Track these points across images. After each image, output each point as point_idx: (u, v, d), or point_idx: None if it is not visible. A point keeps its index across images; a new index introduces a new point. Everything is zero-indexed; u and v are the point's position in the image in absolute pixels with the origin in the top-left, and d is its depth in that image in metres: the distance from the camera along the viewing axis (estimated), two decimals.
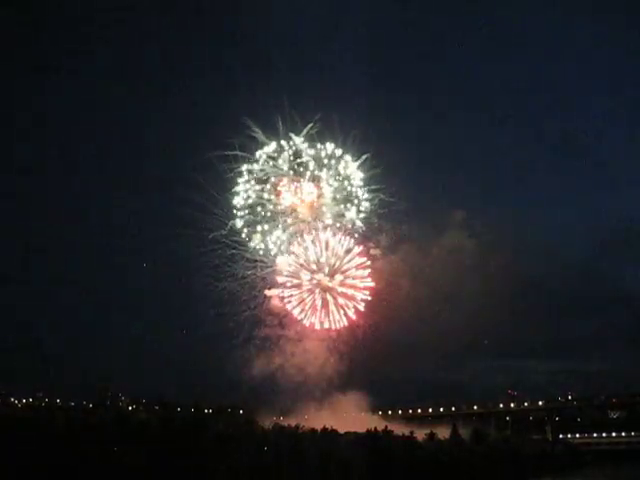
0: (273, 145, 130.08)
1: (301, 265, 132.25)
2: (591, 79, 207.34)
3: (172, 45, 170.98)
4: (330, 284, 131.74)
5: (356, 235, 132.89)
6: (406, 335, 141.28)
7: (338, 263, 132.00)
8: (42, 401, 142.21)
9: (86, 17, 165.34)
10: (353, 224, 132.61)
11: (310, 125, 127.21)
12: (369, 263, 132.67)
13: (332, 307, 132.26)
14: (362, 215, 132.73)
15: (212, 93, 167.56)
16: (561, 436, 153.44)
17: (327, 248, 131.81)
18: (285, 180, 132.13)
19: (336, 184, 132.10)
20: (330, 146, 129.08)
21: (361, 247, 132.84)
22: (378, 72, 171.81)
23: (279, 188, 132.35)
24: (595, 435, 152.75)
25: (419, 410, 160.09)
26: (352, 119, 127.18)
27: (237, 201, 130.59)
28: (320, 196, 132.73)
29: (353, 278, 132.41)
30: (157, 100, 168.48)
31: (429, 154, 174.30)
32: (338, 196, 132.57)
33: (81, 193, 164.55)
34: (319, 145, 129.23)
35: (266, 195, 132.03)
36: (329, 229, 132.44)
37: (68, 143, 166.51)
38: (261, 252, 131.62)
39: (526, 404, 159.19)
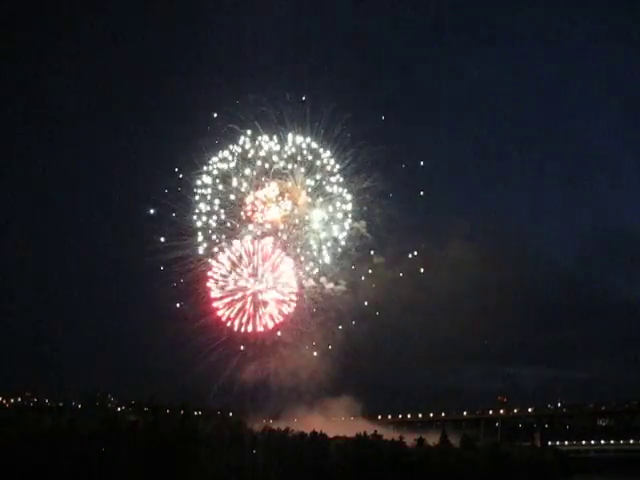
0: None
1: None
2: (590, 80, 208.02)
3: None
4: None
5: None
6: (398, 342, 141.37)
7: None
8: (30, 401, 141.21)
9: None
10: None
11: None
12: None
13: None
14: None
15: None
16: (550, 443, 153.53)
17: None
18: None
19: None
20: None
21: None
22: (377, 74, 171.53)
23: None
24: (584, 442, 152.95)
25: (409, 415, 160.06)
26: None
27: None
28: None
29: None
30: None
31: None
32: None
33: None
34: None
35: None
36: None
37: None
38: None
39: (515, 411, 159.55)
